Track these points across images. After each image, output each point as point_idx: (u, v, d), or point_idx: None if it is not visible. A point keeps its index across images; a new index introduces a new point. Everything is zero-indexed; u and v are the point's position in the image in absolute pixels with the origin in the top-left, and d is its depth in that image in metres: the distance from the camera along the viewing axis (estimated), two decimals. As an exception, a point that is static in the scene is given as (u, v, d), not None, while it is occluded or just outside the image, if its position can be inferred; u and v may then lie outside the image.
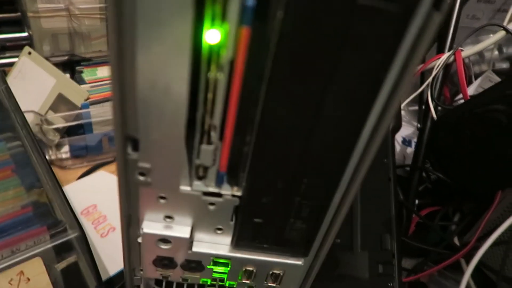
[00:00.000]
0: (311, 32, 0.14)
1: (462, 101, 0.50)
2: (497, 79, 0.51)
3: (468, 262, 0.43)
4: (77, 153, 0.58)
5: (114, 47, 0.14)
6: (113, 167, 0.58)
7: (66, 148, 0.57)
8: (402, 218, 0.48)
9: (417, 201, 0.50)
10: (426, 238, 0.49)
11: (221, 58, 0.15)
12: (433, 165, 0.47)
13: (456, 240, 0.48)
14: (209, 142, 0.17)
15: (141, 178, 0.19)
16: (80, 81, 0.58)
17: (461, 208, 0.49)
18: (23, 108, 0.47)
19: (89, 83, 0.58)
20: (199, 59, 0.15)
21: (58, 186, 0.25)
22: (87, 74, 0.59)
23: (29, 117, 0.51)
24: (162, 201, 0.20)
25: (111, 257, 0.44)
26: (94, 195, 0.52)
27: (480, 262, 0.41)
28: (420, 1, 0.13)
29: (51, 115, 0.53)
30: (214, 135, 0.17)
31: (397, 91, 0.15)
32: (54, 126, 0.53)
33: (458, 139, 0.44)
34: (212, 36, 0.15)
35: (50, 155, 0.55)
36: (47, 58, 0.57)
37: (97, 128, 0.57)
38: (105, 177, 0.55)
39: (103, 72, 0.60)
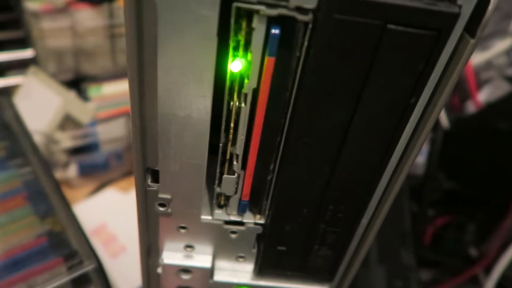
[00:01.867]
0: (337, 60, 0.13)
1: (472, 107, 0.49)
2: (506, 85, 0.50)
3: (487, 272, 0.43)
4: (85, 172, 0.57)
5: (135, 79, 0.14)
6: (121, 184, 0.57)
7: (73, 167, 0.56)
8: (417, 230, 0.47)
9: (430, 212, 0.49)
10: (442, 248, 0.48)
11: (244, 87, 0.14)
12: (447, 175, 0.47)
13: (473, 250, 0.47)
14: (230, 171, 0.17)
15: (161, 209, 0.18)
16: (86, 99, 0.58)
17: (476, 217, 0.49)
18: (29, 128, 0.47)
19: (95, 100, 0.58)
20: (222, 88, 0.15)
21: (71, 213, 0.25)
22: (93, 91, 0.59)
23: (36, 137, 0.51)
24: (182, 230, 0.19)
25: (123, 278, 0.43)
26: (103, 214, 0.52)
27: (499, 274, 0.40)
28: (451, 28, 0.12)
29: (58, 135, 0.53)
30: (236, 164, 0.17)
31: (427, 118, 0.14)
32: (61, 146, 0.52)
33: (471, 149, 0.43)
34: (235, 64, 0.14)
35: (58, 174, 0.55)
36: (52, 77, 0.57)
37: (104, 145, 0.57)
38: (114, 195, 0.55)
39: (109, 89, 0.59)
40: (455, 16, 0.12)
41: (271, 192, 0.17)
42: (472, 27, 0.12)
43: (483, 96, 0.51)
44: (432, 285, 0.45)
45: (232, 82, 0.15)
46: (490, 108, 0.44)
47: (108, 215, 0.52)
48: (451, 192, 0.48)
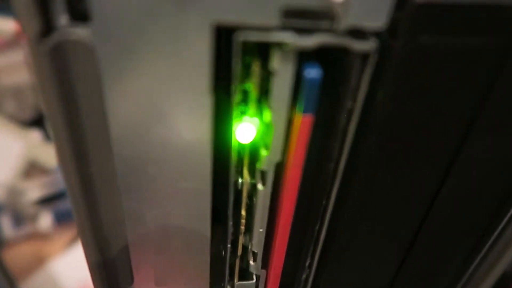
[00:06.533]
0: (425, 108, 0.08)
1: None
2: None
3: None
4: (61, 220, 0.51)
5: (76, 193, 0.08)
6: (103, 228, 0.51)
7: (47, 217, 0.50)
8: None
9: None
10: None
11: (261, 161, 0.09)
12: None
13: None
14: (246, 275, 0.11)
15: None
16: (54, 138, 0.52)
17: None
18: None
19: (64, 138, 0.51)
20: (227, 167, 0.09)
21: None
22: (61, 128, 0.53)
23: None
24: None
25: None
26: (86, 270, 0.45)
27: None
28: None
29: (23, 185, 0.46)
30: (253, 264, 0.11)
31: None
32: (29, 198, 0.46)
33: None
34: (244, 131, 0.09)
35: (30, 227, 0.48)
36: (11, 118, 0.50)
37: (79, 189, 0.50)
38: (96, 244, 0.48)
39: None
40: None
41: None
42: None
43: None
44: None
45: (239, 154, 0.09)
46: None
47: (92, 269, 0.45)
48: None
